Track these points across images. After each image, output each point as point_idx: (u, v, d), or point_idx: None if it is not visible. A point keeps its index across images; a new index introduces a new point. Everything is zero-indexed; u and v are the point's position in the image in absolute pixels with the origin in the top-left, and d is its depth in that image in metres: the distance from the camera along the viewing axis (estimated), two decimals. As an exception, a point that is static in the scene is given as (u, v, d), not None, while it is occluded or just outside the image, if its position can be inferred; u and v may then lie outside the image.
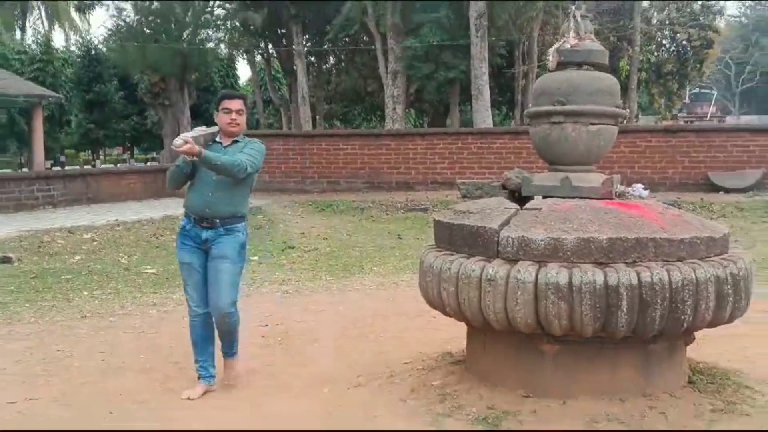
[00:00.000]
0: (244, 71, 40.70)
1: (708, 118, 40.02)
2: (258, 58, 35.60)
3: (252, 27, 28.99)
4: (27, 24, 44.83)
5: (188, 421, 4.62)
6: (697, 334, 4.74)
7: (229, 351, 5.21)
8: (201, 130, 4.80)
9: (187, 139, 4.52)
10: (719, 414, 4.41)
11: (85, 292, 8.63)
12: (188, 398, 4.91)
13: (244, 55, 35.74)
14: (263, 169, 18.49)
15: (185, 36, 23.14)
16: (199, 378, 5.06)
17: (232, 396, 5.13)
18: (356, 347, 6.30)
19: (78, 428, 4.43)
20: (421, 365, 5.34)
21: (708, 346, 5.48)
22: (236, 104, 4.92)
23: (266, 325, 7.09)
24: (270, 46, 33.74)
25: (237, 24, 28.50)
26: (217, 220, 4.86)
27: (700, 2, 40.12)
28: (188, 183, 5.04)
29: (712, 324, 4.41)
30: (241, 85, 42.64)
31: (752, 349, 6.01)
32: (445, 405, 4.58)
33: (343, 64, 35.50)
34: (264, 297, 8.52)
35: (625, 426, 4.19)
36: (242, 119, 5.00)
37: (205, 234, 4.86)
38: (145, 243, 12.36)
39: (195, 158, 4.57)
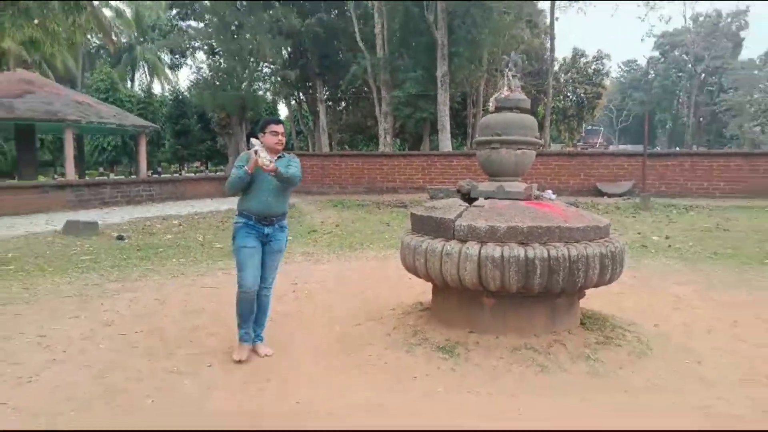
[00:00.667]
0: (283, 110, 40.59)
1: (597, 146, 40.08)
2: (293, 102, 35.73)
3: (289, 81, 29.02)
4: (135, 77, 44.58)
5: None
6: (587, 292, 4.77)
7: (261, 331, 4.64)
8: (261, 146, 4.26)
9: (271, 159, 4.21)
10: (600, 345, 4.43)
11: (174, 260, 8.62)
12: (239, 360, 4.35)
13: (283, 99, 35.83)
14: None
15: (243, 86, 23.02)
16: (242, 341, 4.47)
17: (273, 332, 5.14)
18: (358, 299, 6.31)
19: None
20: (401, 311, 5.35)
21: (594, 300, 5.50)
22: (281, 128, 4.52)
23: (296, 284, 7.10)
24: (301, 94, 33.91)
25: (278, 79, 28.45)
26: (274, 219, 4.44)
27: (592, 68, 40.14)
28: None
29: (597, 285, 4.43)
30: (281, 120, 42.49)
31: (624, 303, 6.05)
32: (417, 338, 4.60)
33: (350, 106, 35.51)
34: (296, 265, 8.53)
35: (536, 353, 4.22)
36: (284, 139, 4.65)
37: (267, 230, 4.41)
38: (215, 227, 12.35)
39: (272, 172, 4.21)
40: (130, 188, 18.63)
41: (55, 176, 25.93)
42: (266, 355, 4.45)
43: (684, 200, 16.96)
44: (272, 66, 26.84)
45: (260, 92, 27.80)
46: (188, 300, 6.25)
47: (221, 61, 23.70)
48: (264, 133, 4.44)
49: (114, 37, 30.25)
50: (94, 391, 3.83)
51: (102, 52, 41.96)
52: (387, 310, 5.47)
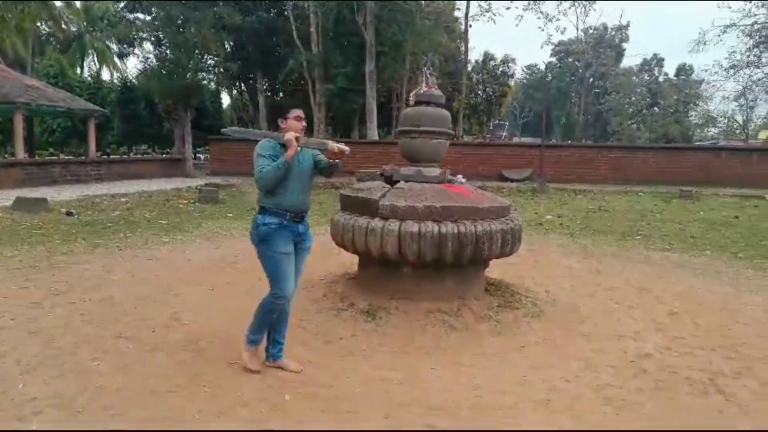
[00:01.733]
0: (225, 99, 39.36)
1: (503, 139, 41.05)
2: (234, 92, 34.74)
3: (231, 72, 28.17)
4: (84, 64, 42.00)
5: (184, 307, 4.51)
6: (491, 263, 4.91)
7: (285, 344, 3.68)
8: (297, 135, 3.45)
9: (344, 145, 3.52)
10: (501, 308, 4.58)
11: (122, 234, 8.23)
12: (257, 371, 3.47)
13: (226, 89, 34.79)
14: (234, 161, 17.67)
15: (188, 76, 22.10)
16: (255, 345, 3.58)
17: (217, 298, 5.02)
18: (292, 269, 6.23)
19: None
20: (330, 279, 5.34)
21: (497, 270, 5.67)
22: (303, 114, 3.64)
23: (237, 257, 6.93)
24: (242, 84, 33.03)
25: (221, 70, 27.53)
26: (305, 215, 3.59)
27: (500, 70, 40.91)
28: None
29: (499, 257, 4.55)
30: (223, 108, 41.10)
31: (521, 272, 6.25)
32: (344, 303, 4.61)
33: (288, 97, 34.81)
34: (235, 239, 8.33)
35: (447, 315, 4.31)
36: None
37: (300, 228, 3.53)
38: (161, 204, 11.87)
39: (341, 157, 3.59)
40: (79, 168, 17.62)
41: (5, 156, 24.15)
42: (294, 371, 3.52)
43: (574, 185, 17.68)
44: (216, 58, 25.84)
45: (204, 82, 26.75)
46: (135, 271, 5.99)
47: (168, 52, 22.60)
48: (287, 119, 3.58)
49: (63, 26, 28.18)
50: (43, 354, 3.62)
51: (52, 39, 39.19)
52: (317, 279, 5.43)
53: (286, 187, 3.43)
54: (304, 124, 3.63)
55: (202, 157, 35.04)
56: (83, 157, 21.32)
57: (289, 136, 3.37)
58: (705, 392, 3.35)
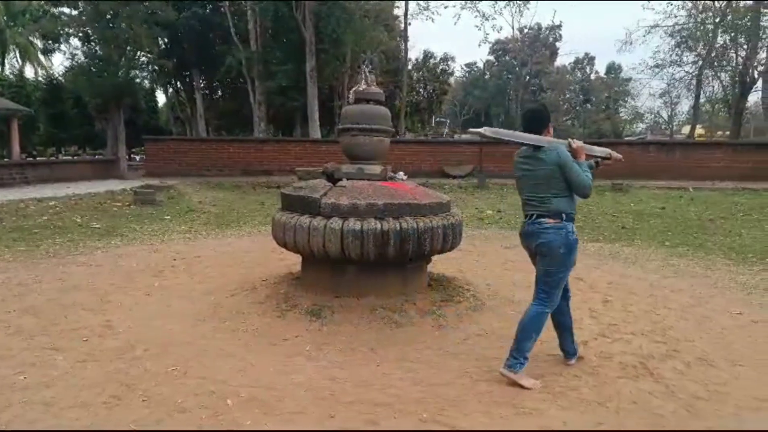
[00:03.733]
0: (161, 98, 38.13)
1: (444, 136, 41.59)
2: (170, 90, 33.65)
3: (166, 70, 27.23)
4: (5, 60, 39.65)
5: (119, 311, 4.33)
6: (433, 258, 4.96)
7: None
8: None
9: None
10: (444, 302, 4.63)
11: (50, 240, 7.82)
12: (535, 387, 3.25)
13: (161, 87, 33.66)
14: (174, 161, 17.07)
15: (120, 73, 21.20)
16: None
17: (151, 303, 4.85)
18: (233, 271, 6.11)
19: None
20: (273, 281, 5.26)
21: (439, 265, 5.74)
22: None
23: (175, 259, 6.74)
24: (178, 82, 32.00)
25: (156, 67, 26.57)
26: None
27: (440, 68, 41.44)
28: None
29: (441, 252, 4.61)
30: (159, 107, 39.78)
31: (463, 266, 6.37)
32: (287, 304, 4.54)
33: (226, 95, 34.11)
34: (173, 242, 8.10)
35: (391, 311, 4.33)
36: None
37: None
38: (93, 208, 11.36)
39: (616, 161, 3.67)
40: (1, 171, 16.63)
41: None
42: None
43: (514, 181, 18.14)
44: (149, 55, 24.93)
45: (138, 80, 25.77)
46: (65, 278, 5.71)
47: (97, 48, 21.58)
48: (550, 125, 3.45)
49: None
50: (-39, 371, 3.39)
51: (-32, 34, 36.79)
52: (260, 280, 5.35)
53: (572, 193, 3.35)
54: None
55: (137, 158, 33.83)
56: (6, 160, 20.16)
57: (580, 143, 3.37)
58: (636, 375, 3.51)
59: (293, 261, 5.75)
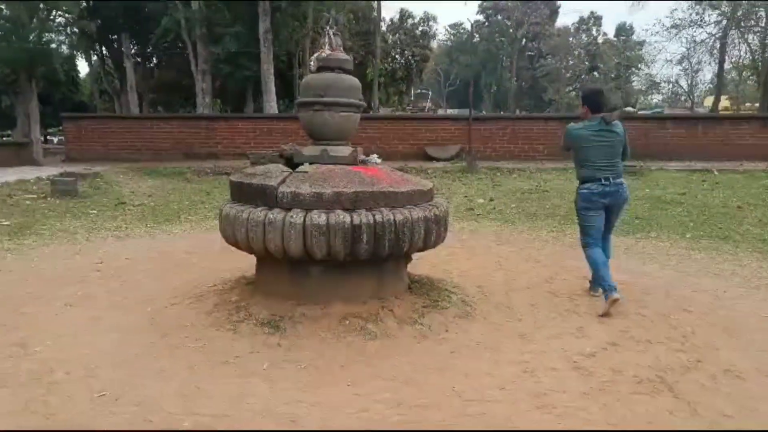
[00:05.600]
0: (83, 67, 37.45)
1: (426, 110, 41.70)
2: (95, 57, 33.04)
3: (88, 33, 26.74)
4: None
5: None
6: (414, 256, 4.98)
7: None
8: None
9: None
10: (427, 308, 4.66)
11: (-53, 242, 7.64)
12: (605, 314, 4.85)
13: (83, 54, 33.04)
14: (101, 143, 16.92)
15: (32, 38, 20.72)
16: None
17: (74, 317, 4.78)
18: (174, 275, 6.05)
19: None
20: (223, 287, 5.22)
21: (421, 265, 5.76)
22: None
23: (101, 262, 6.65)
24: (104, 48, 31.46)
25: (76, 30, 26.08)
26: None
27: (419, 30, 41.49)
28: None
29: (423, 249, 4.63)
30: (81, 78, 39.07)
31: (449, 266, 6.40)
32: (240, 314, 4.52)
33: (163, 63, 33.68)
34: (100, 241, 7.98)
35: (364, 320, 4.33)
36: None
37: None
38: (1, 202, 11.11)
39: None
40: None
41: None
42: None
43: (508, 163, 18.26)
44: (68, 15, 24.43)
45: (54, 45, 25.24)
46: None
47: (2, 7, 21.09)
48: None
49: None
50: None
51: None
52: (207, 286, 5.31)
53: None
54: None
55: (54, 140, 33.20)
56: None
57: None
58: (653, 391, 3.57)
59: (246, 263, 5.71)
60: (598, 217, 5.21)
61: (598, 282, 5.14)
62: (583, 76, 42.39)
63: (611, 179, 5.07)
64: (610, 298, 4.86)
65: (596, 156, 5.07)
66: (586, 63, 42.92)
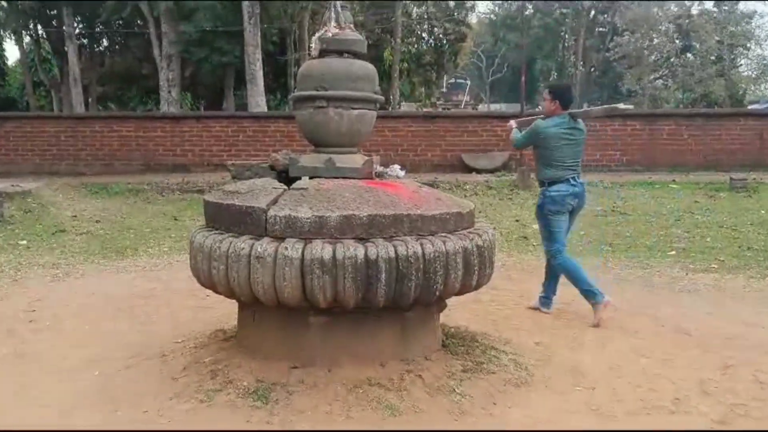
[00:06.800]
0: (12, 51, 38.07)
1: (462, 106, 41.80)
2: (27, 38, 33.66)
3: (21, 8, 27.28)
4: None
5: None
6: (449, 302, 4.94)
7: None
8: None
9: None
10: (469, 373, 4.62)
11: None
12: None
13: (13, 35, 33.68)
14: (33, 152, 17.21)
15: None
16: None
17: (2, 373, 4.79)
18: (128, 328, 6.06)
19: None
20: (194, 343, 5.22)
21: (458, 312, 5.71)
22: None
23: (34, 310, 6.68)
24: (39, 27, 32.05)
25: (3, 4, 26.66)
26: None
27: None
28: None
29: (461, 292, 4.60)
30: (9, 66, 39.83)
31: (497, 314, 6.35)
32: (216, 381, 4.50)
33: (117, 46, 34.18)
34: (33, 282, 8.04)
35: (383, 389, 4.29)
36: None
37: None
38: None
39: None
40: None
41: None
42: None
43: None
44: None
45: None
46: None
47: None
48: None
49: None
50: None
51: None
52: (172, 342, 5.32)
53: None
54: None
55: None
56: None
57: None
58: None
59: (225, 310, 5.71)
60: (565, 221, 6.25)
61: (585, 291, 6.12)
62: (671, 60, 42.10)
63: (577, 179, 6.21)
64: (605, 304, 5.98)
65: (565, 155, 6.15)
66: (677, 42, 42.69)
